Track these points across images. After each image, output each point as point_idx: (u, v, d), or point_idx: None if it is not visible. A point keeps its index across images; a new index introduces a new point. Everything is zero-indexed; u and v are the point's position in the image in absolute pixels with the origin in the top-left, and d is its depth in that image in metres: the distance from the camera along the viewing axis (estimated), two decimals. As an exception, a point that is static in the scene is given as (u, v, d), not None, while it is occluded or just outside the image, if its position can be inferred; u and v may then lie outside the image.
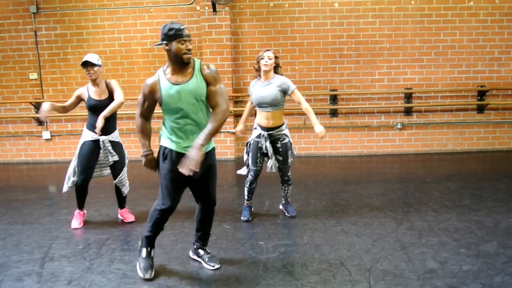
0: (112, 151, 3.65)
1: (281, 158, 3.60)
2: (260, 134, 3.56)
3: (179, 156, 2.48)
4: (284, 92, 3.47)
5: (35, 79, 6.91)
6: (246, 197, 3.79)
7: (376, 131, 6.81)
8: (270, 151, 3.58)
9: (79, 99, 3.70)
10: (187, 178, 2.47)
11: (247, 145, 3.70)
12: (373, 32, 6.50)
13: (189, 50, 2.42)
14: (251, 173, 3.65)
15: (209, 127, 2.39)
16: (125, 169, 3.78)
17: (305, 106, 3.49)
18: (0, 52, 6.88)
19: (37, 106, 6.95)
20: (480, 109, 6.66)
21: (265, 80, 3.51)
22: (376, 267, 2.74)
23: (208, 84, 2.48)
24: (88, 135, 3.63)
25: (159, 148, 2.60)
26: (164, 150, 2.55)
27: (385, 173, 5.74)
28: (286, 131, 3.60)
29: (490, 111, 6.67)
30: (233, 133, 6.42)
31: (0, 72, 6.95)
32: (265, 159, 3.70)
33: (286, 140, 3.58)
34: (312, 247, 3.12)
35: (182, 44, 2.40)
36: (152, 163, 2.66)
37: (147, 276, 2.64)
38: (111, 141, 3.66)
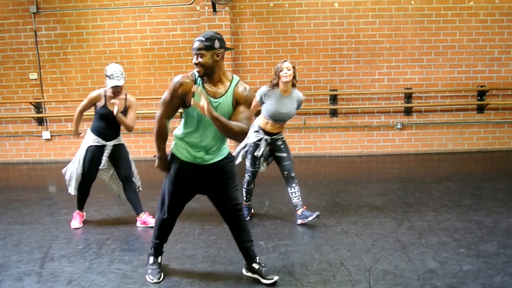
0: (105, 158, 3.62)
1: (285, 155, 3.58)
2: (262, 138, 3.55)
3: (184, 165, 2.49)
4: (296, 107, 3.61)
5: (35, 79, 6.91)
6: (244, 198, 3.77)
7: (376, 131, 6.81)
8: (265, 153, 3.59)
9: (93, 103, 3.60)
10: (191, 190, 2.55)
11: (244, 147, 3.67)
12: (373, 32, 6.50)
13: (196, 64, 2.28)
14: (249, 174, 3.65)
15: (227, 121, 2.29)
16: (133, 167, 3.77)
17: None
18: (0, 52, 6.87)
19: (37, 106, 6.96)
20: (480, 109, 6.66)
21: (283, 94, 3.47)
22: (376, 267, 2.74)
23: (238, 103, 2.36)
24: (92, 140, 3.61)
25: (170, 153, 2.58)
26: (172, 157, 2.54)
27: (385, 173, 5.74)
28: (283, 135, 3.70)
29: (490, 111, 6.67)
30: None
31: (0, 72, 6.94)
32: (262, 160, 3.66)
33: (284, 139, 3.66)
34: (312, 247, 3.12)
35: (193, 56, 2.32)
36: (166, 166, 2.56)
37: (155, 280, 2.64)
38: (115, 145, 3.65)
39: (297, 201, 3.58)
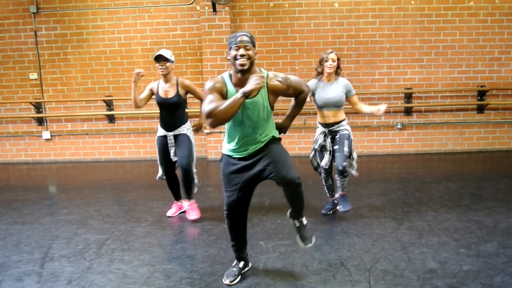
0: (173, 148, 3.70)
1: (336, 147, 3.56)
2: (321, 131, 3.64)
3: (232, 161, 2.49)
4: (347, 94, 3.61)
5: (35, 79, 6.91)
6: (328, 195, 3.85)
7: (376, 131, 6.81)
8: (330, 147, 3.63)
9: (151, 93, 3.76)
10: (243, 180, 2.48)
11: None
12: (373, 32, 6.50)
13: (242, 55, 2.25)
14: (322, 170, 3.72)
15: (293, 112, 2.68)
16: (193, 159, 3.74)
17: (360, 105, 3.71)
18: (0, 52, 6.87)
19: (37, 106, 6.96)
20: (480, 109, 6.66)
21: (327, 81, 3.59)
22: (376, 267, 2.74)
23: (278, 93, 2.43)
24: (159, 131, 3.78)
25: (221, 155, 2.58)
26: (222, 156, 2.56)
27: (385, 173, 5.74)
28: (346, 126, 3.65)
29: (490, 111, 6.67)
30: None
31: (0, 72, 6.94)
32: (328, 154, 3.68)
33: (345, 132, 3.60)
34: (312, 247, 3.10)
35: (236, 50, 2.26)
36: (254, 88, 2.17)
37: (226, 282, 2.59)
38: (175, 135, 3.70)
39: (339, 186, 3.65)
